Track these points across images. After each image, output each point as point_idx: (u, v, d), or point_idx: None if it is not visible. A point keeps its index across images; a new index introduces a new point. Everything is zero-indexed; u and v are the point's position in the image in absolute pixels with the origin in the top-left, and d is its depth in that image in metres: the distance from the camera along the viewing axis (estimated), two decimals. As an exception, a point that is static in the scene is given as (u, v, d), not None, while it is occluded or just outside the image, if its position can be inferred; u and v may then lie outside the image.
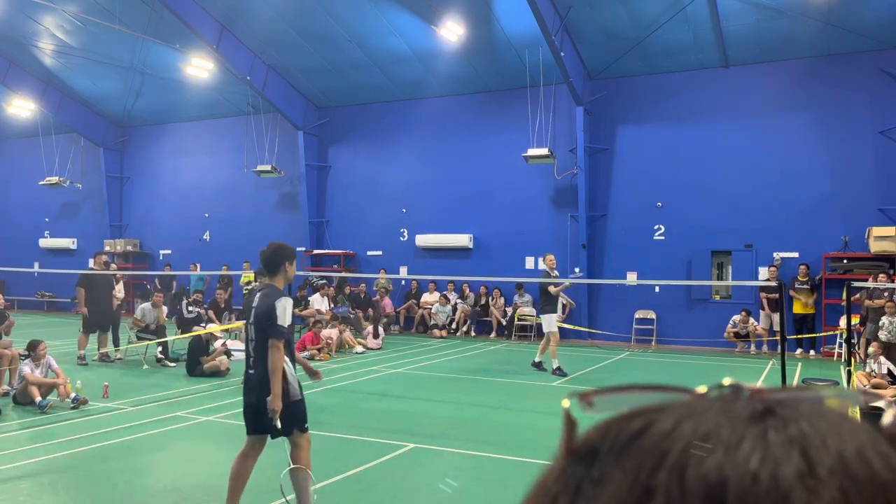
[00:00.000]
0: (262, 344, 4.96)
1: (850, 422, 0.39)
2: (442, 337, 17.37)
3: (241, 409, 5.25)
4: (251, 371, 5.05)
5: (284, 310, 4.93)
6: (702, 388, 0.43)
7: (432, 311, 17.90)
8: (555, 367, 11.98)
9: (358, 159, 20.13)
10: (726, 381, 0.43)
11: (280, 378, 4.91)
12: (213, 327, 12.72)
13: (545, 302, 12.06)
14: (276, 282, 5.16)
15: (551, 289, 11.90)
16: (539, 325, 17.01)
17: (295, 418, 5.12)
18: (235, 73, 18.48)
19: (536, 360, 12.39)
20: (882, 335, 11.43)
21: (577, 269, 13.77)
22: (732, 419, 0.38)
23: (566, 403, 0.45)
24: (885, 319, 11.60)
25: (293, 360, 5.18)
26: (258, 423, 5.06)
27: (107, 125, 23.55)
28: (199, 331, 12.04)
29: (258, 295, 5.10)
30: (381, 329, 15.57)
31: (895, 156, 14.78)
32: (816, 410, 0.39)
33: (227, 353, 12.06)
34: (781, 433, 0.37)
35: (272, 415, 4.88)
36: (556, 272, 12.36)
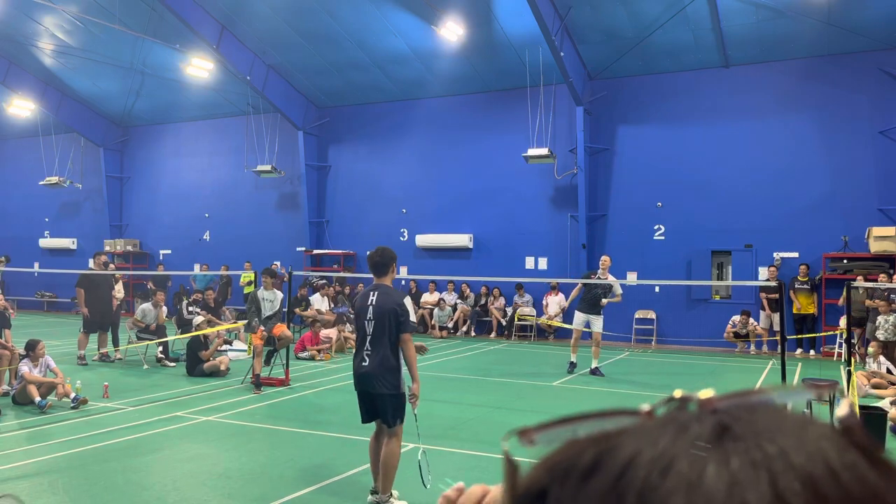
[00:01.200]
0: (382, 337, 5.38)
1: (809, 428, 0.37)
2: (442, 337, 17.37)
3: (242, 410, 5.25)
4: (365, 363, 5.41)
5: (409, 306, 5.32)
6: (648, 406, 0.40)
7: (433, 318, 17.85)
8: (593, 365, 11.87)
9: (358, 159, 20.13)
10: (677, 393, 0.41)
11: (416, 366, 5.50)
12: (212, 328, 12.70)
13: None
14: (387, 281, 5.64)
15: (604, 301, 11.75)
16: (538, 326, 17.08)
17: (401, 408, 5.52)
18: (235, 73, 18.48)
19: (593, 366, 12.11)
20: (880, 334, 11.44)
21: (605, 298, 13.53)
22: (689, 444, 0.36)
23: (505, 445, 0.42)
24: (881, 318, 11.61)
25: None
26: (373, 412, 5.50)
27: (107, 125, 23.54)
28: (200, 330, 12.02)
29: (375, 294, 5.49)
30: None
31: (895, 156, 14.79)
32: (774, 421, 0.37)
33: (226, 341, 12.04)
34: (743, 457, 0.34)
35: (413, 401, 5.47)
36: (607, 274, 11.98)
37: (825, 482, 0.34)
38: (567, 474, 0.37)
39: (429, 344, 16.00)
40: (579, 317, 11.91)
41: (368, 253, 5.80)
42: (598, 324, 11.86)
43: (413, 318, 5.72)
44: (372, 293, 5.50)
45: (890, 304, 11.72)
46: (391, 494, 5.49)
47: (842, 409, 0.41)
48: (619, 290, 11.83)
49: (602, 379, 11.64)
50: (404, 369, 5.48)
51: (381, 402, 5.41)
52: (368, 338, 5.40)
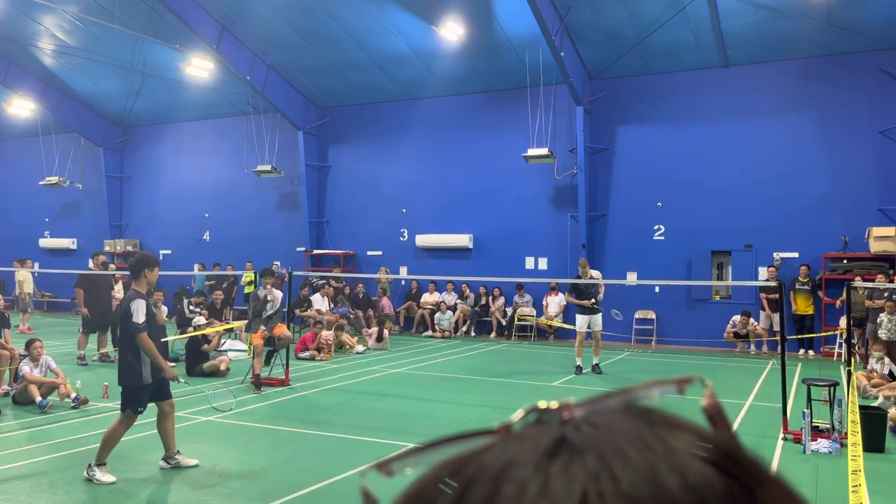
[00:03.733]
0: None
1: (647, 433, 0.36)
2: (443, 337, 17.36)
3: (242, 410, 5.28)
4: None
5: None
6: (505, 423, 0.40)
7: (435, 321, 17.83)
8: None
9: (358, 159, 20.13)
10: (541, 403, 0.41)
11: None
12: (211, 328, 12.69)
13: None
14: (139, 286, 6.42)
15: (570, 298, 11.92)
16: (538, 326, 17.07)
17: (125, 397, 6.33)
18: (235, 73, 18.47)
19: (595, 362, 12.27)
20: (882, 334, 11.43)
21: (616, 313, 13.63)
22: (527, 462, 0.35)
23: (363, 480, 0.41)
24: (883, 317, 11.60)
25: None
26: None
27: (107, 125, 23.55)
28: (200, 330, 12.02)
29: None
30: (385, 332, 15.50)
31: (895, 156, 14.78)
32: (615, 428, 0.37)
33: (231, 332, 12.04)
34: (569, 474, 0.34)
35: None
36: (589, 272, 12.14)
37: (648, 495, 0.33)
38: (417, 498, 0.37)
39: (429, 343, 16.05)
40: (581, 319, 12.02)
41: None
42: (598, 322, 12.05)
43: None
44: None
45: (892, 305, 11.71)
46: (178, 451, 6.44)
47: (705, 399, 0.41)
48: (601, 283, 12.05)
49: (602, 379, 11.65)
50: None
51: None
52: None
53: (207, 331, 12.23)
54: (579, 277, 12.03)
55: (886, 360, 10.47)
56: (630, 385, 0.42)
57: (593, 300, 11.85)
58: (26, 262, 18.59)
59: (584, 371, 11.91)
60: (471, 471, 0.36)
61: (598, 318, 12.04)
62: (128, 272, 6.75)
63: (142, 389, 6.21)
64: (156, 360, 6.23)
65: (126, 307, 6.09)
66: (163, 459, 6.47)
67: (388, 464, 0.42)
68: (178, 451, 6.47)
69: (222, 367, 11.64)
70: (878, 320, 11.66)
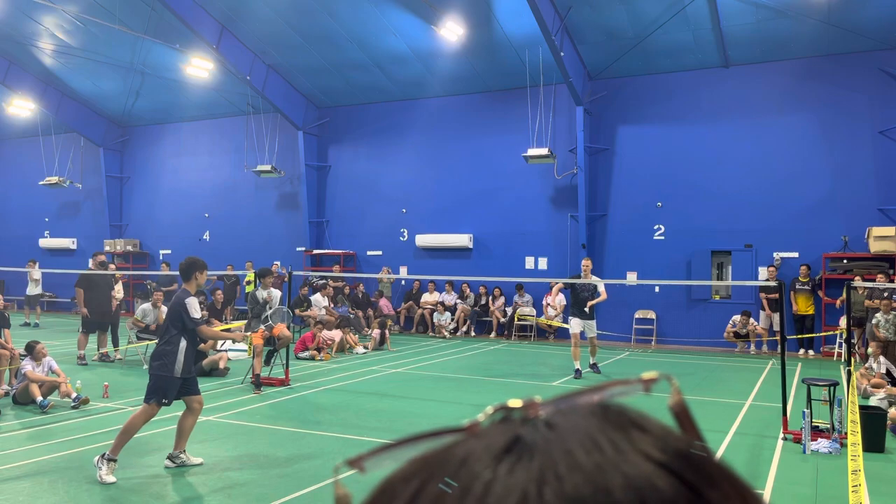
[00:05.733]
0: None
1: (600, 433, 0.37)
2: (443, 337, 17.37)
3: (242, 410, 5.31)
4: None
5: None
6: (472, 421, 0.41)
7: (437, 322, 17.84)
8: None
9: (358, 159, 20.13)
10: (512, 402, 0.41)
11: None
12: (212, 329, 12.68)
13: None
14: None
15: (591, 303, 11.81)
16: (538, 326, 17.08)
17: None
18: (235, 73, 18.48)
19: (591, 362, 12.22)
20: (880, 333, 11.43)
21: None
22: (479, 461, 0.36)
23: (336, 476, 0.43)
24: (879, 317, 11.61)
25: None
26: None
27: (107, 125, 23.55)
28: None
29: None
30: (386, 333, 15.51)
31: (895, 156, 14.79)
32: (570, 428, 0.37)
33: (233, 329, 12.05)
34: (512, 474, 0.35)
35: None
36: (589, 275, 12.04)
37: (589, 495, 0.33)
38: (379, 497, 0.39)
39: (429, 343, 16.06)
40: (575, 323, 11.89)
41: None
42: (592, 328, 11.92)
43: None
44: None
45: (891, 304, 11.71)
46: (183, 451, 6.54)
47: (671, 399, 0.41)
48: (602, 290, 11.91)
49: (602, 379, 11.62)
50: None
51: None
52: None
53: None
54: (579, 276, 11.98)
55: (882, 359, 10.48)
56: (598, 384, 0.43)
57: (589, 301, 11.72)
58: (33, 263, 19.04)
59: (583, 374, 11.83)
60: (431, 467, 0.37)
61: (593, 324, 11.92)
62: (128, 272, 6.91)
63: (171, 381, 6.35)
64: (224, 337, 7.95)
65: (181, 303, 6.48)
66: (168, 458, 6.50)
67: (361, 460, 0.43)
68: (183, 451, 6.53)
69: (221, 365, 11.64)
70: (875, 320, 11.67)
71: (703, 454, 0.37)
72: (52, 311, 23.57)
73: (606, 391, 0.42)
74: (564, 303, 16.25)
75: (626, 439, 0.36)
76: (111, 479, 5.99)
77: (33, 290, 19.71)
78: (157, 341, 6.64)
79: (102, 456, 6.09)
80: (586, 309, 11.68)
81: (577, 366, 11.77)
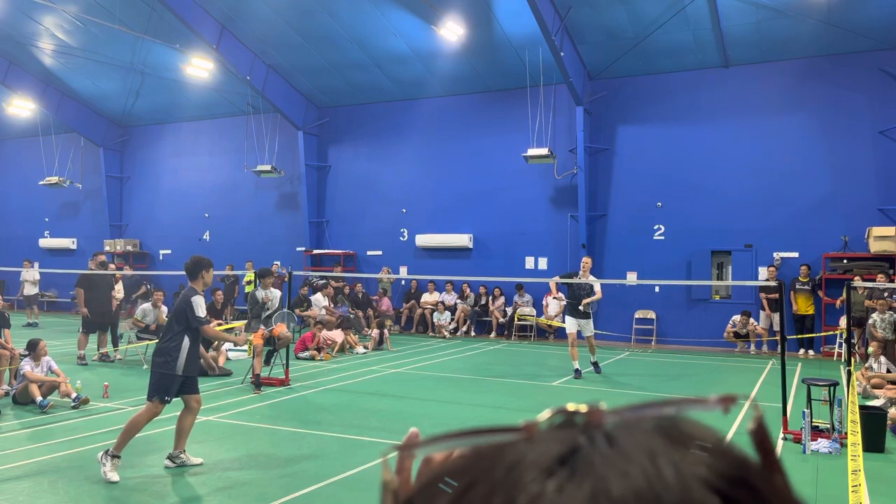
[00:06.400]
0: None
1: (662, 455, 0.35)
2: (443, 337, 17.37)
3: (242, 410, 5.31)
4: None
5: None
6: (529, 422, 0.39)
7: (437, 322, 17.84)
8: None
9: (358, 159, 20.13)
10: (570, 406, 0.40)
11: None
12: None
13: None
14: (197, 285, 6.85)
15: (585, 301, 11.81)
16: (538, 326, 17.08)
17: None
18: (235, 73, 18.48)
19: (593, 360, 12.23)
20: (878, 333, 11.44)
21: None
22: (531, 470, 0.34)
23: (385, 467, 0.42)
24: (876, 316, 11.62)
25: None
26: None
27: (107, 125, 23.55)
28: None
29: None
30: (386, 332, 15.52)
31: (895, 156, 14.79)
32: (630, 445, 0.35)
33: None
34: (562, 491, 0.33)
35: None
36: (588, 274, 11.98)
37: None
38: (424, 490, 0.38)
39: (429, 343, 16.05)
40: (570, 322, 11.88)
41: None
42: (588, 327, 11.93)
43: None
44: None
45: (888, 304, 11.72)
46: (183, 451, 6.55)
47: (752, 424, 0.39)
48: (598, 289, 11.91)
49: (602, 379, 11.64)
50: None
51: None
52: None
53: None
54: (576, 273, 11.92)
55: (883, 359, 10.48)
56: (671, 398, 0.41)
57: (584, 299, 11.72)
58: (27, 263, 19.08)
59: (583, 374, 11.81)
60: (480, 467, 0.36)
61: (589, 322, 11.93)
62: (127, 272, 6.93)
63: (172, 378, 6.38)
64: (225, 339, 7.94)
65: (187, 302, 6.51)
66: (168, 458, 6.51)
67: (412, 447, 0.42)
68: (183, 451, 6.54)
69: (220, 362, 11.64)
70: (871, 320, 11.67)
71: (776, 486, 0.35)
72: (52, 311, 23.57)
73: (677, 407, 0.40)
74: (564, 303, 16.24)
75: (692, 465, 0.34)
76: (115, 476, 5.99)
77: (30, 290, 19.77)
78: (158, 340, 6.63)
79: (106, 452, 6.11)
80: (581, 307, 11.67)
81: (576, 365, 11.73)
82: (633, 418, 0.38)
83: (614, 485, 0.33)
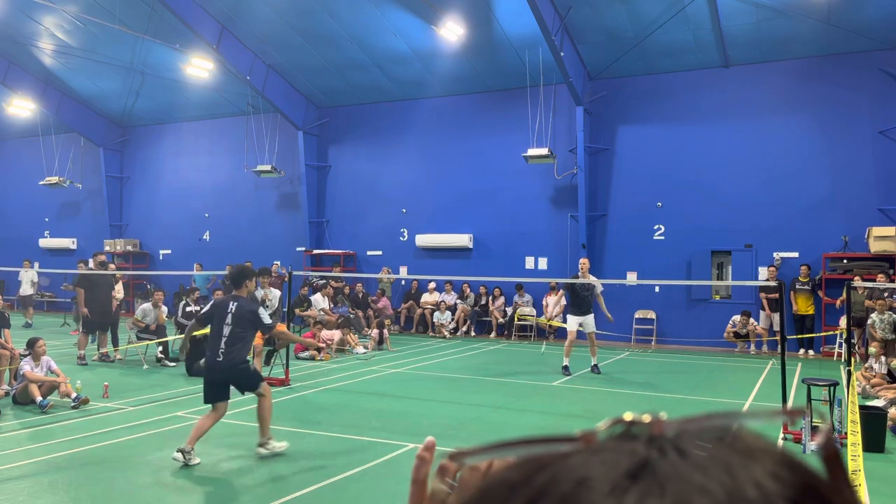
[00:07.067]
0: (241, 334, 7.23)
1: (740, 470, 0.34)
2: (443, 337, 17.37)
3: (242, 410, 5.34)
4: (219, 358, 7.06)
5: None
6: (588, 431, 0.38)
7: (437, 322, 17.84)
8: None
9: (358, 159, 20.13)
10: (627, 415, 0.38)
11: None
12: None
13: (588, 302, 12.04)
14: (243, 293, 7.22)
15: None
16: (538, 326, 17.08)
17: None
18: (235, 73, 18.47)
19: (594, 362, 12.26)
20: (877, 333, 11.44)
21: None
22: (603, 485, 0.33)
23: (437, 475, 0.41)
24: (874, 316, 11.62)
25: None
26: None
27: (107, 125, 23.55)
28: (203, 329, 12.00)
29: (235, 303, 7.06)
30: (386, 332, 15.52)
31: (895, 156, 14.78)
32: (705, 459, 0.34)
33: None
34: (651, 501, 0.32)
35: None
36: (588, 275, 12.09)
37: None
38: (486, 498, 0.36)
39: (429, 343, 16.05)
40: (572, 320, 11.99)
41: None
42: (590, 323, 11.97)
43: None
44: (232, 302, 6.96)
45: (887, 304, 11.71)
46: (270, 438, 6.91)
47: (820, 438, 0.38)
48: (599, 288, 12.05)
49: (602, 379, 11.64)
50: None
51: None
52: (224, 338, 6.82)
53: (207, 330, 12.17)
54: (577, 276, 12.00)
55: (884, 359, 10.48)
56: (733, 410, 0.39)
57: (605, 314, 11.95)
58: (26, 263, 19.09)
59: (571, 372, 11.81)
60: (543, 480, 0.35)
61: (591, 318, 11.95)
62: (128, 272, 6.98)
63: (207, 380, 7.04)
64: (295, 340, 8.32)
65: (254, 312, 7.02)
66: (259, 446, 6.90)
67: (464, 455, 0.41)
68: (270, 438, 6.90)
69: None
70: (870, 320, 11.67)
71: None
72: (51, 311, 23.55)
73: (740, 418, 0.38)
74: (564, 303, 16.24)
75: (768, 479, 0.33)
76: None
77: (27, 290, 19.81)
78: (228, 345, 6.86)
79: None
80: (605, 316, 11.96)
81: (566, 362, 11.89)
82: (696, 430, 0.37)
83: (697, 500, 0.32)
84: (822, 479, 0.35)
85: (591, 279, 11.97)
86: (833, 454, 0.37)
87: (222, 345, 6.81)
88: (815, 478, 0.35)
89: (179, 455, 6.47)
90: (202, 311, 7.27)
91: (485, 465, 0.41)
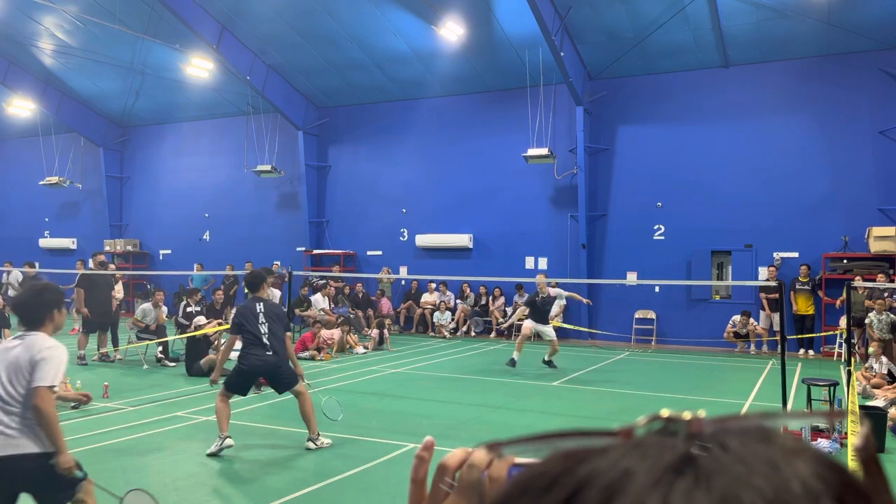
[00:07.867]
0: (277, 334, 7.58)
1: (785, 466, 0.34)
2: (443, 337, 17.37)
3: (242, 410, 5.32)
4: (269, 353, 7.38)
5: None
6: (627, 427, 0.38)
7: (437, 322, 17.84)
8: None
9: (358, 159, 20.13)
10: (664, 412, 0.39)
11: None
12: (211, 328, 12.68)
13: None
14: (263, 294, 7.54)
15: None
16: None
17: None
18: (235, 73, 18.48)
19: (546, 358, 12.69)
20: (875, 333, 11.45)
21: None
22: (647, 477, 0.33)
23: (471, 467, 0.41)
24: (872, 316, 11.62)
25: None
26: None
27: (107, 125, 23.55)
28: (201, 330, 12.02)
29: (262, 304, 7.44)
30: (385, 333, 15.53)
31: (895, 156, 14.78)
32: (748, 454, 0.34)
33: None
34: (689, 499, 0.32)
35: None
36: (547, 290, 12.55)
37: None
38: (525, 490, 0.36)
39: (429, 343, 16.05)
40: (530, 323, 12.47)
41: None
42: (549, 333, 12.48)
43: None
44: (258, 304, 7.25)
45: (886, 304, 11.72)
46: (318, 434, 7.21)
47: (859, 440, 0.38)
48: (563, 297, 12.54)
49: (602, 379, 11.64)
50: None
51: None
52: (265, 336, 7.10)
53: (207, 330, 12.22)
54: (538, 295, 12.42)
55: (884, 359, 10.48)
56: (770, 410, 0.40)
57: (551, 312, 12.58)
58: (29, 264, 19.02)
59: (517, 365, 12.20)
60: (584, 472, 0.35)
61: (549, 329, 12.49)
62: (128, 272, 7.00)
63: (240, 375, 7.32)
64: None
65: (283, 312, 7.55)
66: (308, 440, 7.18)
67: (500, 446, 0.42)
68: (318, 434, 7.17)
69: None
70: (868, 320, 11.67)
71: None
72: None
73: (779, 418, 0.38)
74: (564, 304, 16.25)
75: (811, 476, 0.33)
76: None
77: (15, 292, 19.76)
78: (272, 342, 7.12)
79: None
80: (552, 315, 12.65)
81: (515, 356, 12.28)
82: (735, 428, 0.37)
83: (744, 493, 0.32)
84: (861, 480, 0.36)
85: (553, 291, 12.70)
86: (872, 456, 0.37)
87: (266, 341, 7.08)
88: (856, 479, 0.36)
89: (217, 443, 6.81)
90: (232, 322, 7.47)
91: (484, 465, 0.41)
